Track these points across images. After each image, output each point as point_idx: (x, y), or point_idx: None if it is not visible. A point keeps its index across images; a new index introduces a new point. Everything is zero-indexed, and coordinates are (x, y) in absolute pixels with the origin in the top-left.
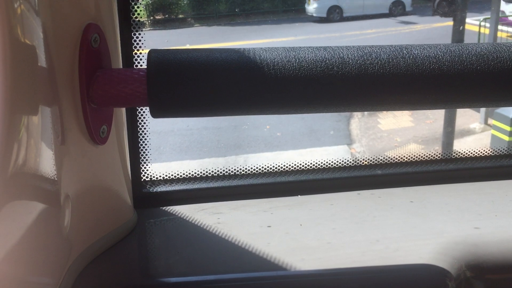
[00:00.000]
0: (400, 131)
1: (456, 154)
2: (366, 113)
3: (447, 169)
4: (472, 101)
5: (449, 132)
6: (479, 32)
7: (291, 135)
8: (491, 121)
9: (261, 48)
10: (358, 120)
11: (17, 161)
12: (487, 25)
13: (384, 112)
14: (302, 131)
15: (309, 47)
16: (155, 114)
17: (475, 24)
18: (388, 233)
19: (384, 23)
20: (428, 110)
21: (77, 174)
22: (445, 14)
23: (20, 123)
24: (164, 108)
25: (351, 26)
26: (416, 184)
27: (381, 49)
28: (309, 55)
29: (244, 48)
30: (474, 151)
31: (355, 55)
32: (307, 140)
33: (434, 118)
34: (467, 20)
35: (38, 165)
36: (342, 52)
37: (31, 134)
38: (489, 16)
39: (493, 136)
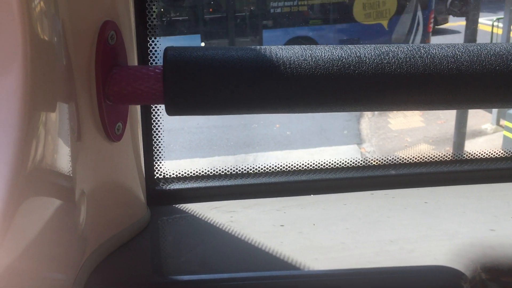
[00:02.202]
0: (410, 131)
1: (471, 155)
2: (376, 112)
3: (461, 170)
4: (490, 102)
5: (461, 132)
6: (492, 32)
7: (300, 134)
8: (503, 122)
9: (277, 46)
10: (368, 120)
11: (35, 158)
12: (500, 25)
13: (395, 111)
14: (312, 130)
15: (326, 46)
16: (170, 111)
17: (488, 24)
18: (402, 234)
19: None
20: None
21: (92, 170)
22: (458, 13)
23: (39, 120)
24: (179, 106)
25: None
26: (430, 185)
27: (399, 48)
28: (325, 54)
29: (260, 47)
30: (488, 152)
31: (372, 54)
32: (317, 139)
33: (445, 118)
34: (480, 19)
35: (55, 161)
36: (358, 51)
37: (49, 130)
38: (502, 16)
39: (505, 137)
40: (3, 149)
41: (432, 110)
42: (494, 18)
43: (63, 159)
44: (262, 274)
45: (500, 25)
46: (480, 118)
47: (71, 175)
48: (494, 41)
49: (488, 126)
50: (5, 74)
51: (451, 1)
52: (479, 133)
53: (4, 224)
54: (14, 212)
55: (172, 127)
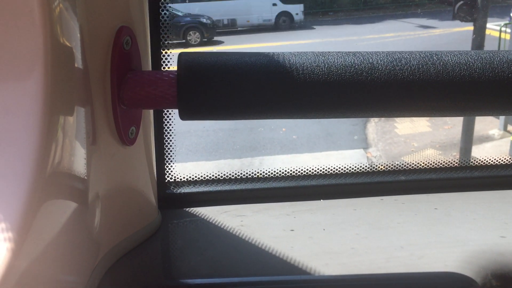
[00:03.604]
0: (417, 136)
1: (480, 161)
2: (382, 117)
3: (471, 177)
4: (503, 109)
5: (468, 138)
6: (500, 37)
7: (307, 138)
8: (510, 128)
9: (290, 52)
10: (374, 124)
11: (54, 161)
12: (508, 30)
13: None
14: (318, 134)
15: (338, 52)
16: (184, 116)
17: (496, 29)
18: (412, 240)
19: (402, 27)
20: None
21: (106, 174)
22: (465, 19)
23: (58, 123)
24: (193, 111)
25: (368, 30)
26: (440, 191)
27: (411, 55)
28: (338, 60)
29: (273, 52)
30: (498, 159)
31: (385, 60)
32: (323, 143)
33: (453, 123)
34: (488, 25)
35: (72, 165)
36: (371, 58)
37: (67, 134)
38: (510, 22)
39: None
40: (25, 151)
41: (444, 117)
42: (502, 23)
43: (79, 162)
44: (272, 279)
45: (508, 30)
46: (487, 124)
47: (86, 178)
48: (502, 46)
49: (496, 131)
50: (27, 78)
51: (459, 7)
52: (486, 139)
53: (24, 227)
54: (34, 215)
55: (178, 130)
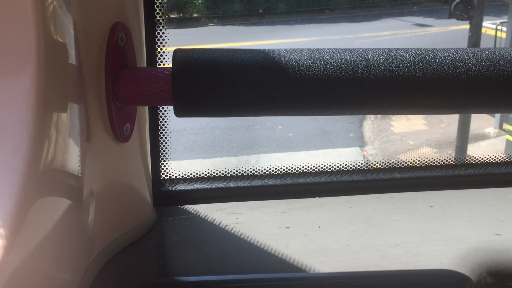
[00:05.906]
0: (413, 134)
1: (476, 159)
2: (379, 115)
3: (467, 174)
4: (499, 107)
5: (464, 136)
6: (496, 36)
7: (303, 136)
8: (506, 126)
9: (286, 49)
10: (371, 123)
11: (47, 158)
12: (504, 28)
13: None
14: (314, 132)
15: (334, 49)
16: (179, 113)
17: (492, 27)
18: (408, 238)
19: (399, 25)
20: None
21: (100, 171)
22: (461, 17)
23: (51, 120)
24: (188, 108)
25: (365, 28)
26: (435, 189)
27: (407, 52)
28: (334, 57)
29: (269, 49)
30: (494, 157)
31: (380, 57)
32: (319, 141)
33: (448, 121)
34: (483, 23)
35: (65, 161)
36: (367, 55)
37: (60, 131)
38: (506, 20)
39: (508, 142)
40: (17, 148)
41: (440, 114)
42: (498, 21)
43: (73, 159)
44: (267, 276)
45: (504, 29)
46: (483, 122)
47: (80, 175)
48: (498, 45)
49: (491, 130)
50: (20, 74)
51: (455, 5)
52: (482, 137)
53: (16, 224)
54: (26, 212)
55: (174, 128)
